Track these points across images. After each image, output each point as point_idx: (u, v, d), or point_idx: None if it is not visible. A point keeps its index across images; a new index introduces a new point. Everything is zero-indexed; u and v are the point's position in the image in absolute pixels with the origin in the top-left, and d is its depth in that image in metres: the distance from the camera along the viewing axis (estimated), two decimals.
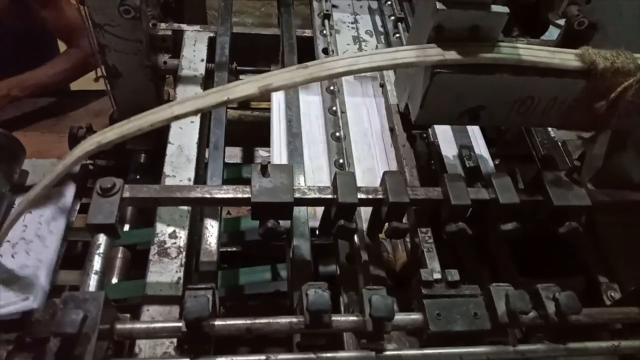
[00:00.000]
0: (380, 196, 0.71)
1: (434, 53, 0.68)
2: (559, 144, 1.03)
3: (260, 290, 0.98)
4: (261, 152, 1.48)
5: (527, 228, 0.82)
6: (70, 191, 1.04)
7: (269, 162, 0.69)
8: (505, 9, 0.70)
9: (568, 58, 0.72)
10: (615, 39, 0.98)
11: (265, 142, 1.07)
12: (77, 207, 1.10)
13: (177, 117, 0.70)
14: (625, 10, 0.96)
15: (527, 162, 1.12)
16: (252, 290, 0.98)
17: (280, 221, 0.70)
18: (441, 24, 0.68)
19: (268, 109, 1.51)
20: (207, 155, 0.96)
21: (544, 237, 0.88)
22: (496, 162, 1.32)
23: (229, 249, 1.03)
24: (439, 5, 0.67)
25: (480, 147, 1.01)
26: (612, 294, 0.80)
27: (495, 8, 0.69)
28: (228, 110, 1.38)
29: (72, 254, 1.08)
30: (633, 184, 0.87)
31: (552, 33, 1.56)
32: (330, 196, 0.70)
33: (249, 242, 1.03)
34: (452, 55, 0.68)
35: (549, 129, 1.06)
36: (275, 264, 0.97)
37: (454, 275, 0.68)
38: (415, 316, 0.66)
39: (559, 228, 0.74)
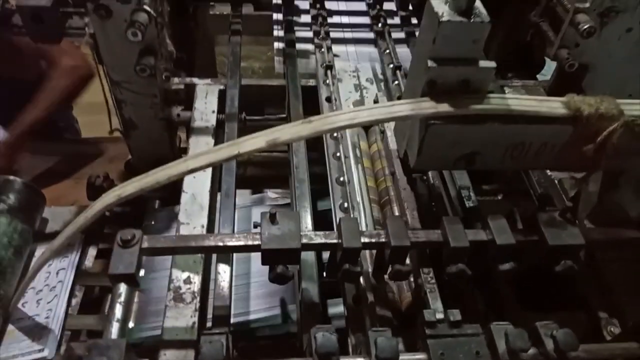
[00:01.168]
0: (383, 240, 0.75)
1: (427, 106, 0.74)
2: (556, 182, 1.07)
3: (271, 332, 1.01)
4: (270, 193, 1.53)
5: (529, 263, 0.85)
6: (79, 243, 1.08)
7: (277, 211, 0.74)
8: (493, 64, 0.75)
9: (555, 106, 0.77)
10: (607, 79, 1.03)
11: (275, 183, 1.10)
12: (94, 253, 1.14)
13: (192, 171, 0.76)
14: (613, 52, 1.02)
15: (529, 197, 1.16)
16: (263, 332, 1.01)
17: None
18: (433, 79, 0.74)
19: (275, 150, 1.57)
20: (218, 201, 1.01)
21: (546, 272, 0.92)
22: (498, 198, 1.36)
23: None
24: (430, 63, 0.73)
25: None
26: (612, 329, 0.82)
27: (483, 64, 0.74)
28: None
29: (90, 299, 1.12)
30: (629, 220, 0.90)
31: (551, 66, 1.61)
32: (335, 241, 0.74)
33: None
34: (444, 107, 0.74)
35: None
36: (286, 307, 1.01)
37: (455, 315, 0.71)
38: (420, 356, 0.69)
39: (555, 266, 0.77)
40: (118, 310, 0.67)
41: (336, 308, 0.95)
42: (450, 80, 0.74)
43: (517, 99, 0.77)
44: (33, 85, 1.85)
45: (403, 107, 0.74)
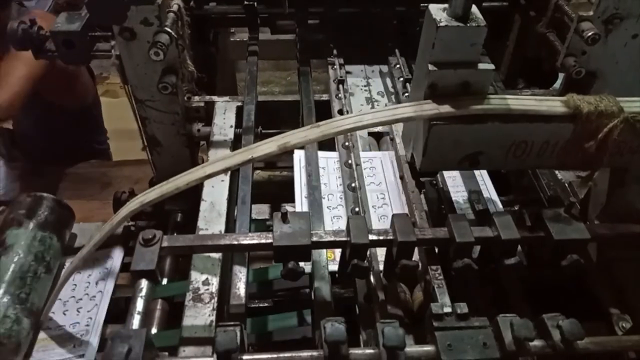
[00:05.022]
0: (390, 237, 0.78)
1: (429, 108, 0.77)
2: (566, 185, 1.08)
3: (287, 337, 1.03)
4: (287, 207, 1.57)
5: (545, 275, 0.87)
6: (118, 254, 1.13)
7: (288, 211, 0.78)
8: (491, 66, 0.79)
9: (554, 105, 0.80)
10: (615, 85, 1.05)
11: (293, 199, 1.14)
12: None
13: (209, 176, 0.80)
14: (620, 59, 1.04)
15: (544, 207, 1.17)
16: (280, 337, 1.03)
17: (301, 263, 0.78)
18: (434, 83, 0.78)
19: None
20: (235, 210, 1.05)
21: (562, 285, 0.93)
22: (515, 208, 1.37)
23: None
24: (430, 67, 0.77)
25: (489, 190, 1.07)
26: (624, 325, 0.82)
27: (482, 66, 0.78)
28: (258, 171, 1.50)
29: (116, 310, 1.16)
30: (638, 217, 0.91)
31: None
32: (344, 239, 0.78)
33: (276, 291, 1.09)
34: (446, 108, 0.77)
35: (556, 171, 1.12)
36: (301, 310, 1.03)
37: (463, 308, 0.73)
38: (428, 348, 0.71)
39: (561, 262, 0.79)
40: (139, 304, 0.71)
41: None
42: (451, 83, 0.78)
43: (517, 99, 0.80)
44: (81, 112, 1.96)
45: (406, 110, 0.78)
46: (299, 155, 1.14)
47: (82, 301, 0.99)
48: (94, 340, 0.90)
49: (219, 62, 1.91)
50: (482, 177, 1.09)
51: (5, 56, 1.83)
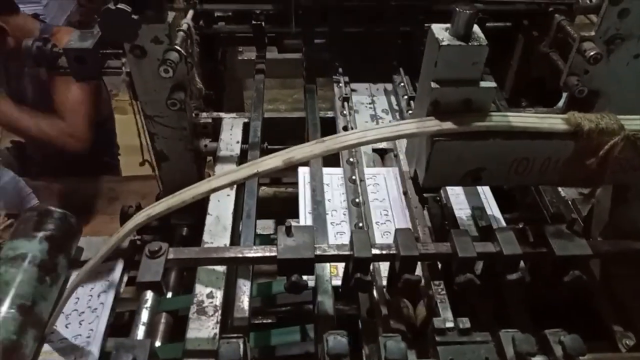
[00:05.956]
0: (393, 251, 0.79)
1: (431, 124, 0.79)
2: (569, 202, 1.09)
3: (290, 352, 1.03)
4: (293, 223, 1.58)
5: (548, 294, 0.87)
6: (118, 267, 1.14)
7: (292, 224, 0.79)
8: (493, 84, 0.81)
9: (555, 122, 0.81)
10: (618, 104, 1.06)
11: (298, 215, 1.15)
12: (125, 279, 1.20)
13: (215, 189, 0.82)
14: (623, 78, 1.05)
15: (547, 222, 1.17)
16: (283, 352, 1.03)
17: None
18: (437, 100, 0.79)
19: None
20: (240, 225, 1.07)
21: (565, 304, 0.93)
22: (520, 226, 1.37)
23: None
24: (433, 85, 0.78)
25: (491, 207, 1.08)
26: (627, 342, 0.82)
27: (483, 84, 0.80)
28: (264, 187, 1.52)
29: (120, 323, 1.17)
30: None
31: None
32: (347, 252, 0.79)
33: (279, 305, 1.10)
34: (448, 125, 0.79)
35: (559, 188, 1.12)
36: (304, 325, 1.03)
37: (465, 323, 0.73)
38: None
39: (563, 277, 0.79)
40: (144, 315, 0.72)
41: None
42: (453, 100, 0.80)
43: (519, 117, 0.81)
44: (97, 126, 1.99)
45: (409, 126, 0.80)
46: (303, 172, 1.15)
47: (85, 314, 1.00)
48: (95, 351, 0.91)
49: (227, 81, 1.95)
50: (485, 194, 1.10)
51: (55, 84, 1.87)
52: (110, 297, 1.05)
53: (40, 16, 2.49)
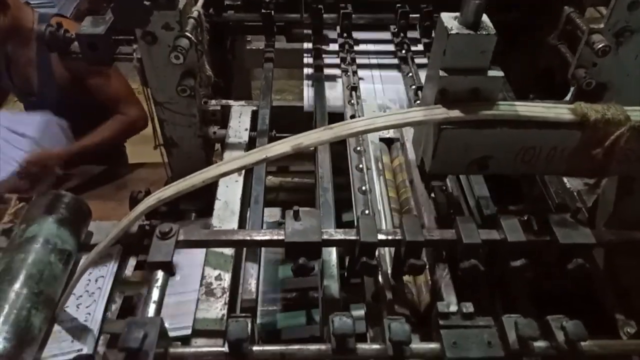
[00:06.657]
0: (399, 237, 0.80)
1: (439, 112, 0.80)
2: (574, 193, 1.09)
3: (296, 336, 1.05)
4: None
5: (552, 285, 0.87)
6: (117, 253, 1.16)
7: (300, 209, 0.80)
8: (501, 73, 0.81)
9: (562, 112, 0.82)
10: (627, 96, 1.06)
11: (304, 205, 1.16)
12: (134, 263, 1.22)
13: (224, 174, 0.83)
14: (631, 71, 1.05)
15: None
16: (288, 335, 1.05)
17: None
18: (445, 88, 0.80)
19: (307, 174, 1.66)
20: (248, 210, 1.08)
21: (569, 294, 0.93)
22: (525, 218, 1.38)
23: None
24: (441, 73, 0.79)
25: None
26: (629, 330, 0.83)
27: (491, 73, 0.80)
28: (270, 177, 1.53)
29: (129, 306, 1.19)
30: None
31: None
32: (353, 237, 0.80)
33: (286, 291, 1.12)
34: (455, 113, 0.80)
35: (564, 179, 1.13)
36: (310, 309, 1.05)
37: (468, 307, 0.74)
38: (433, 345, 0.72)
39: (567, 265, 0.80)
40: (155, 294, 0.74)
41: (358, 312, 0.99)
42: (461, 89, 0.80)
43: (526, 106, 0.82)
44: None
45: (416, 114, 0.81)
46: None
47: (82, 298, 1.02)
48: (93, 335, 0.93)
49: (235, 70, 1.96)
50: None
51: (94, 84, 1.90)
52: (107, 283, 1.07)
53: (50, 4, 2.50)
